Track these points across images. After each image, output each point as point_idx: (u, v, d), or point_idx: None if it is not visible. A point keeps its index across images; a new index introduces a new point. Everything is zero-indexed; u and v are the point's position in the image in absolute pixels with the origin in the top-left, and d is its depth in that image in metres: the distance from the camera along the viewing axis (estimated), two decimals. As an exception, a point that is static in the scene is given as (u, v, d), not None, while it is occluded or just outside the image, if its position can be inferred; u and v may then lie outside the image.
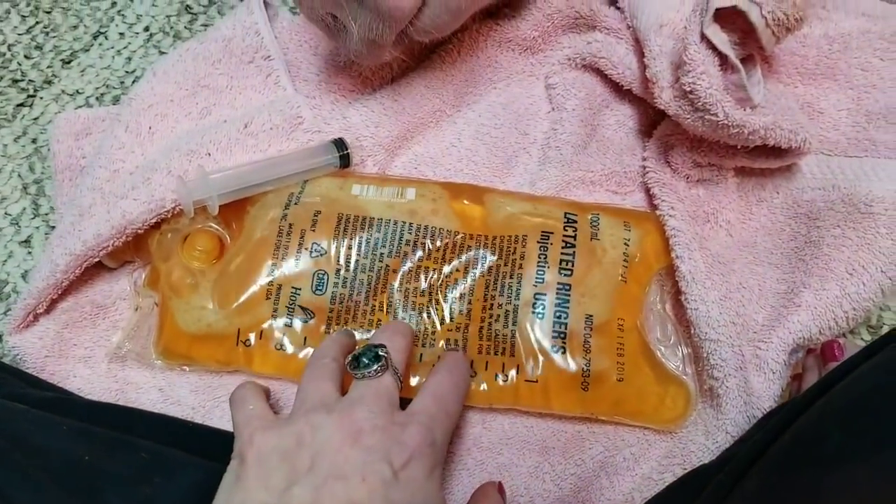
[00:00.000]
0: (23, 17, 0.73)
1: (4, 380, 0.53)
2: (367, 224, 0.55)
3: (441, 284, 0.54)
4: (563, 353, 0.52)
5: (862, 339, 0.59)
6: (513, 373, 0.52)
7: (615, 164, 0.61)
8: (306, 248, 0.54)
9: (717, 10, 0.51)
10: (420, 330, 0.53)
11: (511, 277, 0.53)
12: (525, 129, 0.63)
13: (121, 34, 0.72)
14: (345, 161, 0.57)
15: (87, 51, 0.71)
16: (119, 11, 0.73)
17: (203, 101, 0.61)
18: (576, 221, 0.55)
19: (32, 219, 0.66)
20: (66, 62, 0.71)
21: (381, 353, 0.45)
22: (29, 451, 0.44)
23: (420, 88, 0.62)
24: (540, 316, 0.52)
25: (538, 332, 0.52)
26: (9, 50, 0.71)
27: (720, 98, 0.51)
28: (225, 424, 0.55)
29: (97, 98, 0.69)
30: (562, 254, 0.54)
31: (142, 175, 0.56)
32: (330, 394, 0.44)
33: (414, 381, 0.52)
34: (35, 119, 0.69)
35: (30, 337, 0.56)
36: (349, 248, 0.54)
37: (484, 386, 0.52)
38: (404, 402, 0.45)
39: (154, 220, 0.55)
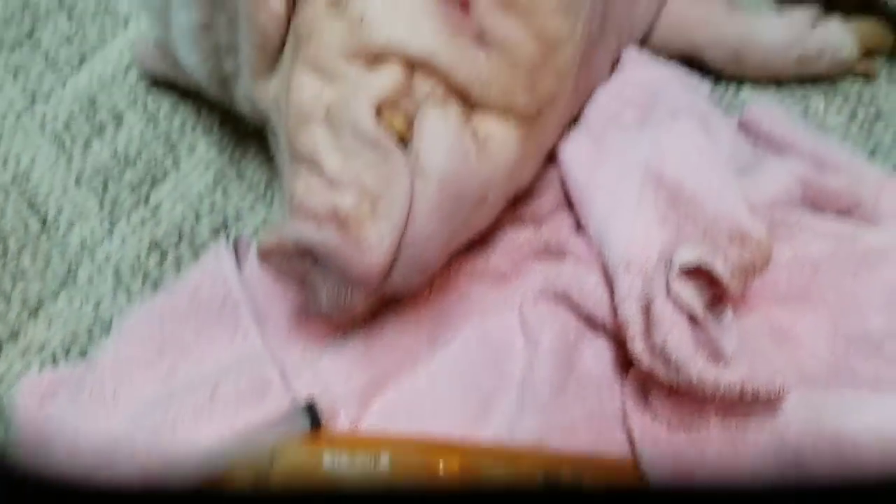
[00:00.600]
0: (-9, 264, 0.72)
1: None
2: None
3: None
4: None
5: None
6: None
7: (595, 403, 0.59)
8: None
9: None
10: None
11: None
12: (502, 367, 0.61)
13: (90, 277, 0.71)
14: (316, 423, 0.56)
15: (55, 298, 0.70)
16: (89, 251, 0.73)
17: (170, 360, 0.60)
18: (557, 484, 0.53)
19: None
20: (33, 312, 0.70)
21: None
22: None
23: (392, 332, 0.61)
24: None
25: None
26: (-24, 301, 0.71)
27: (691, 356, 0.50)
28: None
29: (65, 351, 0.68)
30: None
31: (106, 456, 0.54)
32: None
33: None
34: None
35: None
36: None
37: None
38: None
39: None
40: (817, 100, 0.76)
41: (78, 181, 0.77)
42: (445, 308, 0.63)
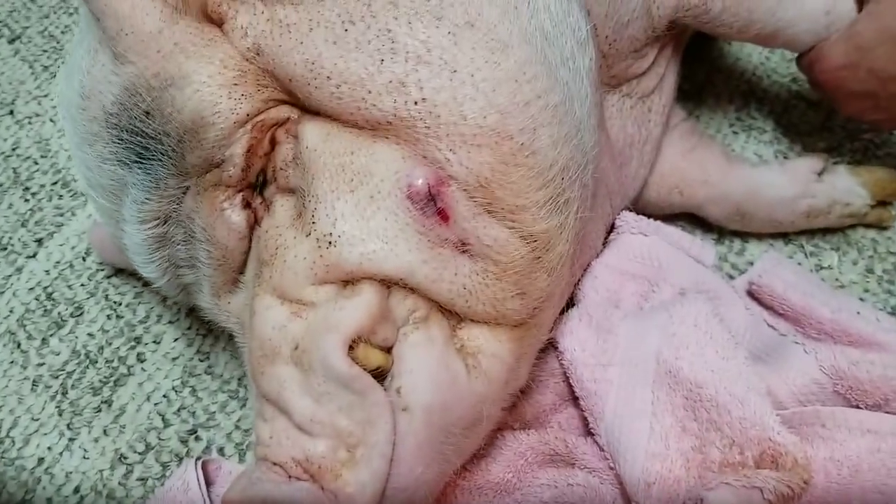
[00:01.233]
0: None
1: None
2: None
3: None
4: None
5: None
6: None
7: None
8: None
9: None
10: None
11: None
12: None
13: (48, 501, 0.64)
14: None
15: (6, 532, 0.63)
16: (46, 469, 0.65)
17: None
18: None
19: None
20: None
21: None
22: None
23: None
24: None
25: None
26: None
27: None
28: None
29: None
30: None
31: None
32: None
33: None
34: None
35: None
36: None
37: None
38: None
39: None
40: (830, 255, 0.70)
41: (35, 386, 0.70)
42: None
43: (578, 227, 0.53)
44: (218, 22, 0.49)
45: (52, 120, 0.88)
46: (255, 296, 0.49)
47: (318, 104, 0.48)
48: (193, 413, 0.68)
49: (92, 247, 0.75)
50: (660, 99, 0.65)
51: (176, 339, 0.71)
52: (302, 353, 0.46)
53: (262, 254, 0.49)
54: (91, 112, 0.51)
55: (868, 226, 0.71)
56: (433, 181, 0.46)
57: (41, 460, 0.66)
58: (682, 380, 0.53)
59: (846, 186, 0.69)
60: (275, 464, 0.46)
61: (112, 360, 0.71)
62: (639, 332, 0.57)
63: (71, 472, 0.65)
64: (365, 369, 0.45)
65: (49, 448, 0.67)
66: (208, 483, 0.59)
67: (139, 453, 0.66)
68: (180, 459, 0.65)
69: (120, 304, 0.74)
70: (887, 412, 0.54)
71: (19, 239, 0.80)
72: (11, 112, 0.89)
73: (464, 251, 0.48)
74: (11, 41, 0.96)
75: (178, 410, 0.68)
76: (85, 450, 0.66)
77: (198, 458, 0.60)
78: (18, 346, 0.73)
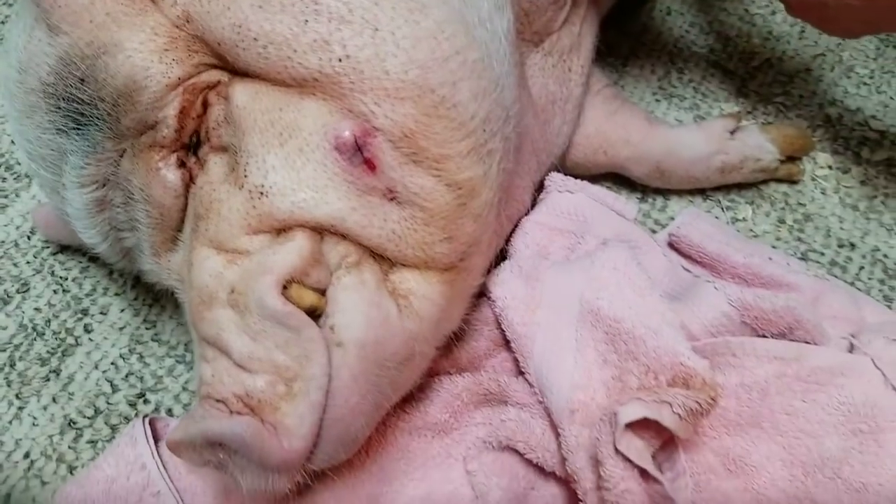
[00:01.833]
0: None
1: None
2: None
3: None
4: None
5: None
6: None
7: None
8: None
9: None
10: None
11: None
12: (450, 529, 0.57)
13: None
14: None
15: (-42, 496, 0.64)
16: (-6, 436, 0.67)
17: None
18: None
19: None
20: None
21: None
22: None
23: (331, 497, 0.57)
24: None
25: None
26: None
27: (647, 517, 0.46)
28: None
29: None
30: None
31: None
32: None
33: None
34: None
35: None
36: None
37: None
38: None
39: None
40: (745, 208, 0.75)
41: (-18, 359, 0.71)
42: (385, 467, 0.59)
43: (503, 178, 0.56)
44: None
45: (-8, 106, 0.89)
46: (192, 249, 0.51)
47: (247, 65, 0.50)
48: (142, 378, 0.69)
49: (36, 226, 0.77)
50: (578, 59, 0.69)
51: (122, 310, 0.73)
52: (238, 295, 0.49)
53: (198, 209, 0.52)
54: (28, 84, 0.52)
55: (780, 181, 0.76)
56: (359, 133, 0.49)
57: (-9, 431, 0.68)
58: (602, 317, 0.57)
59: (757, 143, 0.74)
60: (217, 400, 0.48)
61: (59, 332, 0.72)
62: (564, 278, 0.61)
63: (21, 439, 0.67)
64: (299, 308, 0.48)
65: (-1, 416, 0.68)
66: (157, 440, 0.61)
67: (88, 418, 0.68)
68: (129, 422, 0.66)
69: (66, 279, 0.75)
70: (791, 340, 0.58)
71: (-38, 221, 0.81)
72: (-48, 100, 0.89)
73: (392, 199, 0.51)
74: (-50, 31, 0.97)
75: (127, 376, 0.70)
76: (34, 417, 0.68)
77: (145, 416, 0.62)
78: (-35, 323, 0.74)
